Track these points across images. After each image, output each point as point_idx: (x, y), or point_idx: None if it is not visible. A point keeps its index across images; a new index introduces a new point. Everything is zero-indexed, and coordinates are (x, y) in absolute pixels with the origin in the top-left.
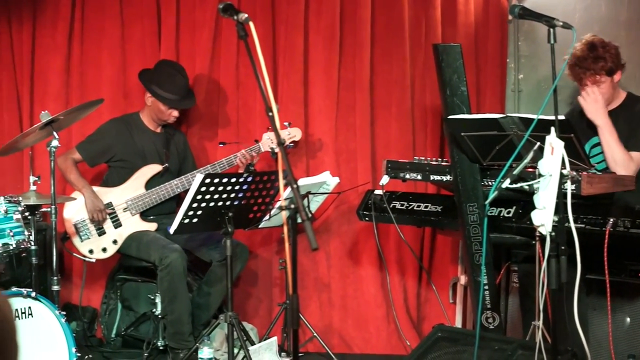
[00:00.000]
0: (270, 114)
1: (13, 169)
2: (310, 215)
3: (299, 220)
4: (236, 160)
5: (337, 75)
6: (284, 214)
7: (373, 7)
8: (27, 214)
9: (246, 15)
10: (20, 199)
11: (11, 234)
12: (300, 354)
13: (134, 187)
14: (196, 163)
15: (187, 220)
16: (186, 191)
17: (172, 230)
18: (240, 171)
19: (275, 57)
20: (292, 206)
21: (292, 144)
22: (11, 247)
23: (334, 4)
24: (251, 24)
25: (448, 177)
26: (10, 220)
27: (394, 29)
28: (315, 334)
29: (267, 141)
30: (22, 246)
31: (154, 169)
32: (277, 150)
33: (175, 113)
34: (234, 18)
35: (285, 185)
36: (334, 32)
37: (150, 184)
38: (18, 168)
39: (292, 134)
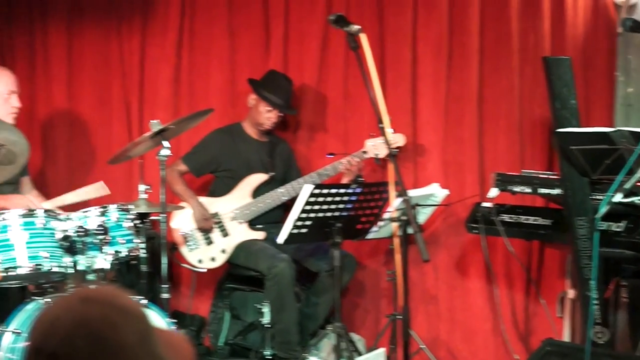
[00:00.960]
0: (381, 125)
1: (123, 178)
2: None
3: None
4: (341, 167)
5: (445, 86)
6: (395, 225)
7: (481, 19)
8: (137, 222)
9: (358, 27)
10: (131, 207)
11: (122, 241)
12: None
13: (241, 196)
14: (301, 172)
15: (295, 231)
16: (292, 199)
17: (280, 240)
18: (346, 179)
19: (383, 68)
20: (403, 218)
21: (396, 150)
22: (122, 255)
23: (442, 15)
24: (362, 36)
25: (557, 191)
26: (121, 228)
27: (502, 41)
28: (423, 346)
29: (371, 148)
30: (133, 254)
31: (259, 177)
32: (381, 156)
33: (273, 117)
34: (345, 29)
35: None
36: (442, 44)
37: (256, 192)
38: (128, 176)
39: (394, 140)
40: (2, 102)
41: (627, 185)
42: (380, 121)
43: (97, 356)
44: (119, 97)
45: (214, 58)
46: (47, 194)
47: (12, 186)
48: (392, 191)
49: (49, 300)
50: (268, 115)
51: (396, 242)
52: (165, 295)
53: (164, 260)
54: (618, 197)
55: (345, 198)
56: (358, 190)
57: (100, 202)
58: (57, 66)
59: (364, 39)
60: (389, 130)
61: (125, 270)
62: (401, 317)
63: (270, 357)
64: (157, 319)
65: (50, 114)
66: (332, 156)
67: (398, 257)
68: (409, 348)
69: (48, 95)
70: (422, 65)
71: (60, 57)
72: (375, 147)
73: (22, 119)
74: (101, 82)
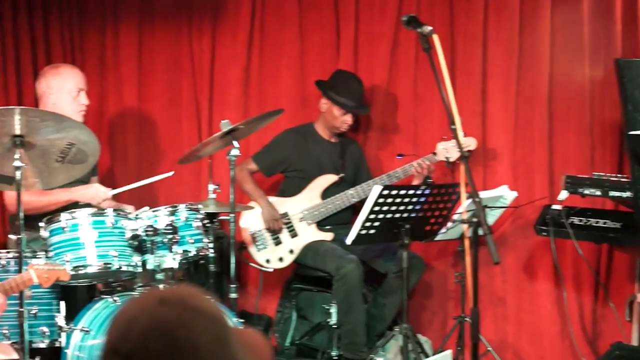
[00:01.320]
0: (453, 126)
1: (192, 177)
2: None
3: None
4: (412, 169)
5: (516, 88)
6: (465, 227)
7: (552, 20)
8: (206, 221)
9: (430, 28)
10: (200, 206)
11: (191, 241)
12: None
13: (310, 197)
14: (371, 173)
15: (364, 232)
16: (362, 201)
17: (349, 241)
18: (416, 181)
19: (452, 70)
20: (474, 219)
21: (468, 152)
22: (191, 254)
23: (514, 16)
24: (435, 37)
25: (628, 194)
26: (190, 228)
27: (573, 42)
28: (490, 349)
29: (442, 151)
30: (201, 253)
31: (329, 178)
32: (452, 159)
33: (349, 120)
34: (417, 30)
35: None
36: (512, 45)
37: (326, 193)
38: (196, 176)
39: (466, 144)
40: (70, 100)
41: None
42: (452, 122)
43: (172, 358)
44: (189, 97)
45: (284, 58)
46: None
47: (81, 185)
48: (463, 192)
49: (125, 298)
50: (343, 119)
51: (466, 243)
52: (233, 295)
53: (233, 260)
54: None
55: (414, 199)
56: (427, 191)
57: (170, 201)
58: (127, 66)
59: (436, 40)
60: (460, 134)
61: (193, 270)
62: (469, 319)
63: (337, 358)
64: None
65: (120, 113)
66: (401, 157)
67: (468, 259)
68: (477, 351)
69: (118, 95)
70: (492, 66)
71: (130, 56)
72: (446, 150)
73: (92, 119)
74: (171, 82)
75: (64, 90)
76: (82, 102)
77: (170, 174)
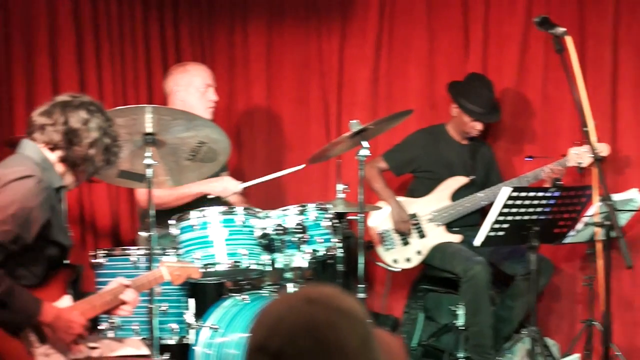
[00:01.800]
0: (586, 129)
1: (319, 177)
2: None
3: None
4: (542, 174)
5: None
6: (596, 229)
7: None
8: (335, 221)
9: (563, 29)
10: (329, 206)
11: (320, 240)
12: None
13: (439, 199)
14: (502, 176)
15: (492, 233)
16: (491, 204)
17: (477, 243)
18: (546, 185)
19: (583, 71)
20: (606, 222)
21: (600, 157)
22: (319, 254)
23: None
24: (568, 38)
25: None
26: (319, 227)
27: None
28: (618, 353)
29: (574, 156)
30: (330, 253)
31: (460, 180)
32: (584, 165)
33: (479, 126)
34: (550, 32)
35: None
36: None
37: (455, 195)
38: (324, 176)
39: (599, 149)
40: (199, 96)
41: None
42: (584, 125)
43: (320, 357)
44: (317, 97)
45: (412, 59)
46: (244, 193)
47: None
48: (595, 195)
49: (255, 297)
50: (472, 124)
51: (598, 246)
52: (361, 295)
53: (361, 260)
54: None
55: (544, 201)
56: (557, 193)
57: (298, 201)
58: (256, 65)
59: (569, 41)
60: (593, 136)
61: (321, 269)
62: (597, 323)
63: None
64: None
65: (248, 112)
66: (530, 159)
67: (600, 262)
68: (608, 356)
69: (247, 94)
70: (623, 68)
71: (259, 55)
72: (578, 156)
73: (221, 117)
74: (300, 81)
75: (192, 87)
76: (211, 98)
77: (301, 167)
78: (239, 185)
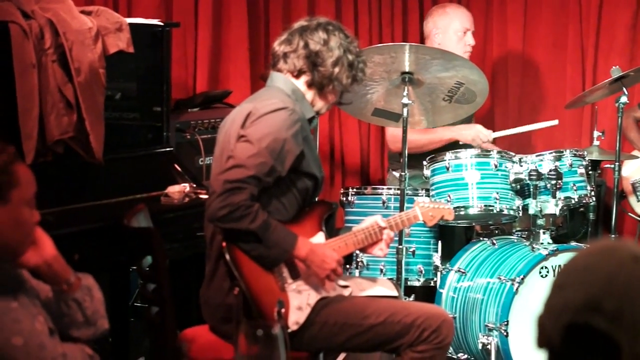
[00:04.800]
0: None
1: (572, 123)
2: None
3: None
4: None
5: None
6: None
7: None
8: (589, 168)
9: None
10: (585, 153)
11: (574, 187)
12: None
13: None
14: None
15: None
16: None
17: None
18: None
19: None
20: None
21: None
22: (573, 201)
23: None
24: None
25: None
26: (574, 174)
27: None
28: None
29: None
30: (583, 201)
31: None
32: None
33: None
34: None
35: None
36: None
37: None
38: (577, 122)
39: None
40: (456, 40)
41: None
42: None
43: None
44: (574, 42)
45: None
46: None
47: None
48: None
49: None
50: None
51: None
52: None
53: (615, 210)
54: None
55: None
56: None
57: (549, 147)
58: (513, 7)
59: None
60: None
61: (569, 217)
62: None
63: None
64: None
65: (503, 55)
66: None
67: None
68: None
69: (502, 36)
70: None
71: None
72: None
73: (475, 59)
74: (557, 25)
75: (450, 29)
76: (469, 42)
77: (554, 122)
78: (491, 135)
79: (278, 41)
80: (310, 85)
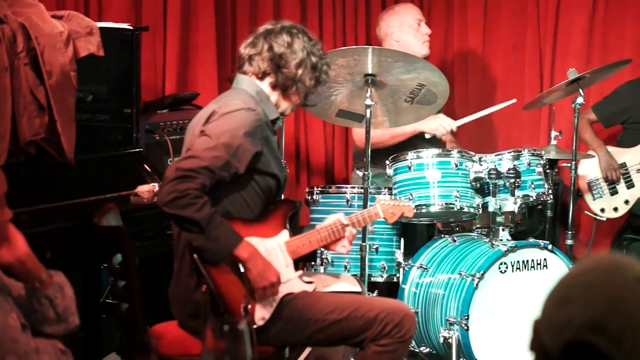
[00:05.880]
0: None
1: (530, 123)
2: None
3: None
4: None
5: None
6: None
7: None
8: (546, 167)
9: None
10: (543, 152)
11: (532, 186)
12: None
13: None
14: None
15: None
16: None
17: None
18: None
19: None
20: None
21: None
22: (531, 199)
23: None
24: None
25: None
26: (533, 173)
27: None
28: None
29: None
30: (541, 199)
31: None
32: None
33: None
34: None
35: None
36: None
37: None
38: (535, 122)
39: None
40: (413, 33)
41: None
42: None
43: None
44: (532, 44)
45: (629, 9)
46: (456, 134)
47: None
48: None
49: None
50: None
51: None
52: (569, 242)
53: (571, 208)
54: None
55: None
56: None
57: (508, 146)
58: (473, 10)
59: None
60: None
61: (527, 214)
62: None
63: None
64: (561, 265)
65: (463, 57)
66: None
67: None
68: None
69: (463, 39)
70: None
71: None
72: None
73: (435, 62)
74: (516, 28)
75: (404, 25)
76: (425, 31)
77: (512, 101)
78: (454, 123)
79: (244, 44)
80: (274, 86)
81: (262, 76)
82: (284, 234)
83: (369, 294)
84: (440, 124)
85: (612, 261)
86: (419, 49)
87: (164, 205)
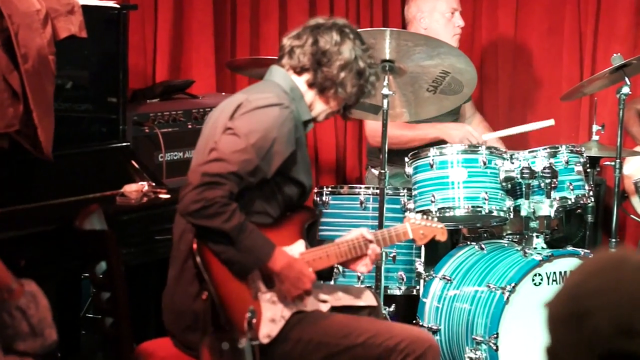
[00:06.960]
0: None
1: (569, 116)
2: None
3: None
4: None
5: None
6: None
7: None
8: (587, 166)
9: None
10: (583, 149)
11: (570, 187)
12: None
13: None
14: None
15: None
16: None
17: None
18: None
19: None
20: None
21: None
22: (569, 202)
23: None
24: None
25: None
26: (571, 172)
27: None
28: None
29: None
30: (581, 202)
31: None
32: None
33: None
34: None
35: None
36: None
37: None
38: (574, 115)
39: None
40: (445, 22)
41: None
42: None
43: None
44: (571, 27)
45: None
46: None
47: (453, 116)
48: None
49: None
50: None
51: None
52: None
53: (615, 212)
54: None
55: None
56: None
57: (543, 141)
58: None
59: None
60: None
61: (565, 219)
62: None
63: None
64: None
65: (493, 41)
66: None
67: None
68: None
69: (492, 21)
70: None
71: None
72: None
73: (462, 46)
74: (553, 9)
75: (436, 11)
76: (458, 24)
77: (550, 122)
78: (481, 137)
79: (288, 35)
80: (311, 85)
81: (300, 71)
82: (299, 245)
83: (385, 309)
84: (465, 136)
85: (610, 259)
86: (448, 42)
87: (188, 215)
